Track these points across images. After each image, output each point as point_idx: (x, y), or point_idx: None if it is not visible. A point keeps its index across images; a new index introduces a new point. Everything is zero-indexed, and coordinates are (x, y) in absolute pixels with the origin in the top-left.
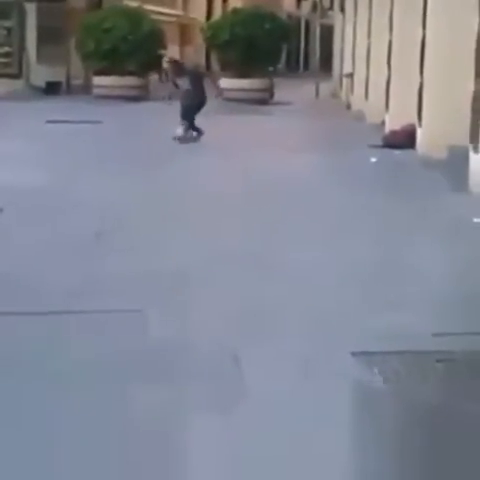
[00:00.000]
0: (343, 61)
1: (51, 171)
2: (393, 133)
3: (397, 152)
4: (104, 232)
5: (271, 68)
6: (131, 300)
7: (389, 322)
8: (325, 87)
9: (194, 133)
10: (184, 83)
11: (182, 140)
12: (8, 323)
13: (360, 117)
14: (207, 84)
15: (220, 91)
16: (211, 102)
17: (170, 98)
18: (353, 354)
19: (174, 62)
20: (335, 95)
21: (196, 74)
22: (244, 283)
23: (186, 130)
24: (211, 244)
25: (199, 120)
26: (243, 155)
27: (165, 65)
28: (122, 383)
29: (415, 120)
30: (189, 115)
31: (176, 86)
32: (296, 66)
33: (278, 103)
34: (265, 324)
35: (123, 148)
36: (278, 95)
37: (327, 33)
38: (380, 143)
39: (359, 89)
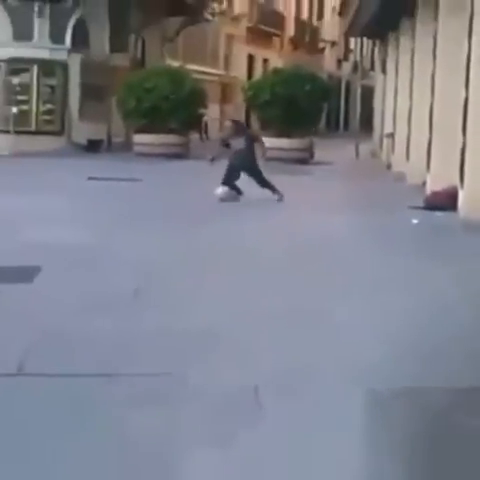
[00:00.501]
0: (384, 121)
1: (91, 228)
2: (434, 194)
3: (438, 214)
4: (142, 289)
5: (311, 128)
6: (165, 361)
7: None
8: (365, 147)
9: (234, 192)
10: (239, 143)
11: (223, 199)
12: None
13: (401, 178)
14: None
15: (265, 150)
16: None
17: (213, 159)
18: None
19: (235, 122)
20: (375, 155)
21: (252, 135)
22: (283, 340)
23: (228, 190)
24: (252, 302)
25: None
26: (284, 215)
27: (204, 122)
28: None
29: (457, 181)
30: (236, 175)
31: (228, 146)
32: (336, 126)
33: (318, 163)
34: (303, 386)
35: (162, 206)
36: (318, 155)
37: (368, 94)
38: (421, 205)
39: (400, 149)
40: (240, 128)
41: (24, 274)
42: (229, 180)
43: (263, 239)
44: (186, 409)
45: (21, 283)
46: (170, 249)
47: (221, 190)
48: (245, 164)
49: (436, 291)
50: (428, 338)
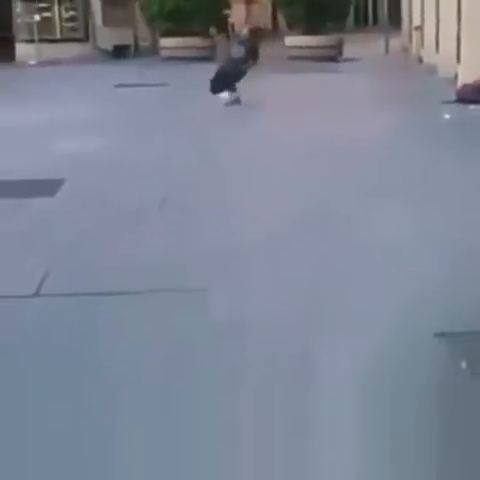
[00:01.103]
0: (412, 14)
1: (116, 137)
2: (466, 87)
3: (471, 107)
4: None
5: (339, 24)
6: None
7: None
8: (395, 41)
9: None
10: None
11: (228, 104)
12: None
13: (432, 71)
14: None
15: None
16: (278, 61)
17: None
18: None
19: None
20: (405, 49)
21: (254, 46)
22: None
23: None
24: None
25: (270, 79)
26: (314, 114)
27: (231, 23)
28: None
29: None
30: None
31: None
32: (365, 21)
33: (348, 60)
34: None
35: (186, 111)
36: (347, 51)
37: None
38: (453, 98)
39: (429, 42)
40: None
41: (47, 187)
42: (227, 85)
43: (294, 140)
44: None
45: (44, 197)
46: (193, 153)
47: (226, 96)
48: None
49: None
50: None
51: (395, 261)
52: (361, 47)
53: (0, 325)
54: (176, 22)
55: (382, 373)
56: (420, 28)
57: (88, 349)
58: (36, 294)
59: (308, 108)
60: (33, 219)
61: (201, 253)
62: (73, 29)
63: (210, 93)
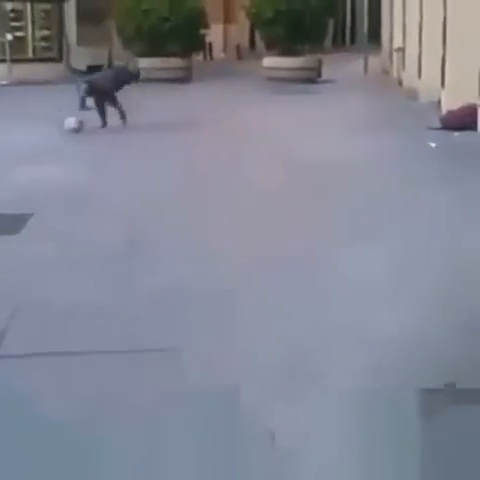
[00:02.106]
0: (393, 35)
1: (85, 164)
2: (451, 114)
3: (456, 134)
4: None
5: (318, 45)
6: None
7: None
8: (374, 62)
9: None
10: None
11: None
12: None
13: (413, 95)
14: None
15: None
16: (257, 82)
17: None
18: None
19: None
20: (385, 71)
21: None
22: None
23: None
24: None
25: (249, 99)
26: (295, 140)
27: (209, 43)
28: None
29: (475, 99)
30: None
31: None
32: (342, 41)
33: (326, 81)
34: None
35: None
36: (325, 72)
37: (374, 5)
38: (437, 125)
39: (411, 65)
40: None
41: (12, 222)
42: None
43: (270, 167)
44: None
45: (7, 235)
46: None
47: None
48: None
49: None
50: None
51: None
52: (339, 67)
53: None
54: (153, 44)
55: None
56: (402, 49)
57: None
58: None
59: (291, 133)
60: None
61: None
62: (46, 49)
63: None
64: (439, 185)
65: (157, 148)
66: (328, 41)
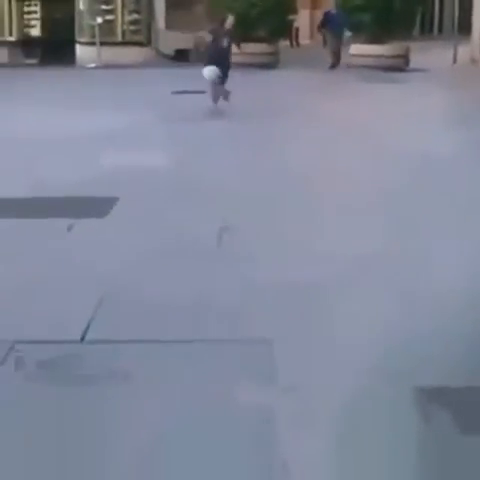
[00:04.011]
0: None
1: (173, 151)
2: None
3: None
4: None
5: (406, 33)
6: None
7: None
8: (462, 51)
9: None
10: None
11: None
12: None
13: None
14: None
15: None
16: (343, 69)
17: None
18: None
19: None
20: (474, 61)
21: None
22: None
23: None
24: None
25: (336, 87)
26: (378, 130)
27: (295, 28)
28: None
29: None
30: None
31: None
32: (430, 29)
33: (414, 70)
34: None
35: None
36: (413, 61)
37: None
38: None
39: None
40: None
41: (100, 206)
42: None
43: (363, 159)
44: None
45: (94, 218)
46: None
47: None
48: None
49: None
50: None
51: None
52: (427, 57)
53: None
54: (241, 28)
55: None
56: None
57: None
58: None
59: (377, 125)
60: (81, 244)
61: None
62: (135, 32)
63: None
64: None
65: (260, 137)
66: (416, 29)
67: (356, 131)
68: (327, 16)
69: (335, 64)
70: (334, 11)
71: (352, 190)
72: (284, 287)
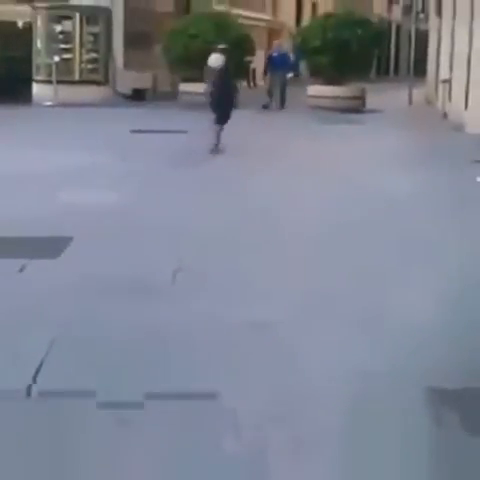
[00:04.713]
0: (439, 67)
1: (130, 189)
2: None
3: None
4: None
5: (363, 75)
6: None
7: None
8: (417, 93)
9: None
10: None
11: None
12: None
13: (459, 127)
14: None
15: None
16: (301, 111)
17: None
18: None
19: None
20: (429, 102)
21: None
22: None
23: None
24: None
25: (294, 130)
26: (336, 170)
27: (252, 69)
28: None
29: None
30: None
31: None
32: (386, 71)
33: (370, 111)
34: None
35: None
36: (369, 102)
37: (419, 37)
38: None
39: (458, 97)
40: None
41: (53, 246)
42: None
43: (315, 197)
44: None
45: (47, 258)
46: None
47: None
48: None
49: None
50: None
51: None
52: (383, 98)
53: None
54: (199, 68)
55: None
56: (448, 81)
57: None
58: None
59: (333, 162)
60: (33, 285)
61: None
62: (93, 71)
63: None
64: None
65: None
66: (372, 71)
67: (310, 171)
68: (269, 59)
69: (268, 105)
70: (276, 53)
71: (306, 227)
72: (239, 326)
